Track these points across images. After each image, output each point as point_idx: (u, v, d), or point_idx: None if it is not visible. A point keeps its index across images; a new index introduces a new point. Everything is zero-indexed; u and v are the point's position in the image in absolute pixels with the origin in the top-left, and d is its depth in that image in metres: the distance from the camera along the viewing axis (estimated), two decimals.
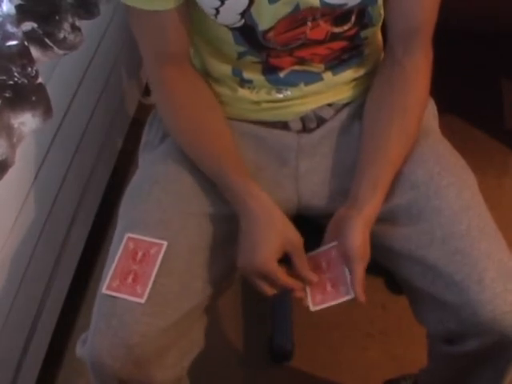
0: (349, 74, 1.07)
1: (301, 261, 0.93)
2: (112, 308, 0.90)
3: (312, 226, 1.07)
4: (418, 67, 1.00)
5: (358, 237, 0.90)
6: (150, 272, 0.92)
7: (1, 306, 1.18)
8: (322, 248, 0.96)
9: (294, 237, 0.93)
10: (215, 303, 1.03)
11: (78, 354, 0.95)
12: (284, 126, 1.08)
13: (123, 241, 0.95)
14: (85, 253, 1.56)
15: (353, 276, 0.90)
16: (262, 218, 0.93)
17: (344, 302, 0.91)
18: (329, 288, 0.92)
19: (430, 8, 0.98)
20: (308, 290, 0.94)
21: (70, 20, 1.12)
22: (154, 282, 0.91)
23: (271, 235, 0.91)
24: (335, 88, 1.08)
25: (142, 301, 0.89)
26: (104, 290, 0.91)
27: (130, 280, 0.91)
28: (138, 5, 0.94)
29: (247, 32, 0.96)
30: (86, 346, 0.92)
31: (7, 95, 0.99)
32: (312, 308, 0.93)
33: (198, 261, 0.96)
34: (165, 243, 0.94)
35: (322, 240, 0.97)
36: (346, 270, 0.92)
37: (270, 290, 0.93)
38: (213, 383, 1.47)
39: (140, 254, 0.93)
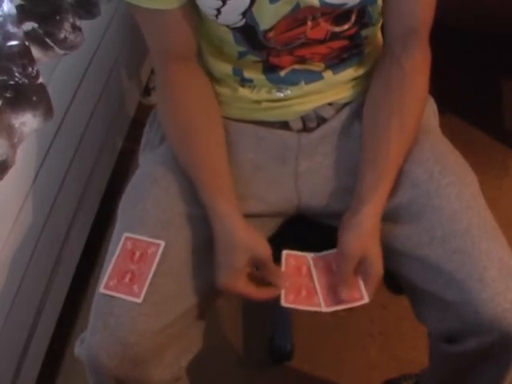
0: (349, 72, 1.07)
1: (270, 271, 0.94)
2: (109, 307, 0.90)
3: (312, 225, 1.07)
4: (416, 66, 1.00)
5: (348, 239, 0.92)
6: (148, 272, 0.92)
7: (1, 306, 1.18)
8: (332, 250, 0.96)
9: (261, 251, 0.93)
10: (214, 303, 1.03)
11: (76, 353, 0.95)
12: (284, 125, 1.08)
13: (121, 240, 0.95)
14: (85, 253, 1.56)
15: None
16: (223, 240, 0.93)
17: (359, 305, 0.92)
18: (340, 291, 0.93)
19: (428, 8, 0.98)
20: (319, 290, 0.94)
21: (71, 20, 1.12)
22: (152, 281, 0.91)
23: (234, 256, 0.91)
24: (336, 87, 1.08)
25: (139, 300, 0.90)
26: (101, 289, 0.91)
27: (127, 279, 0.92)
28: (141, 4, 0.94)
29: (248, 32, 0.96)
30: (83, 345, 0.92)
31: (8, 95, 0.99)
32: (324, 309, 0.93)
33: (196, 261, 0.96)
34: (162, 243, 0.94)
35: (321, 240, 0.97)
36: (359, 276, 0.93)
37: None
38: (213, 383, 1.47)
39: (138, 253, 0.94)
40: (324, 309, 0.93)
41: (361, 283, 0.92)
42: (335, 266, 0.95)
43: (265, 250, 0.93)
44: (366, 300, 0.91)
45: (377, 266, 0.92)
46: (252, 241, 0.93)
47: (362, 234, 0.92)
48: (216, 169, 0.99)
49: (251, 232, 0.94)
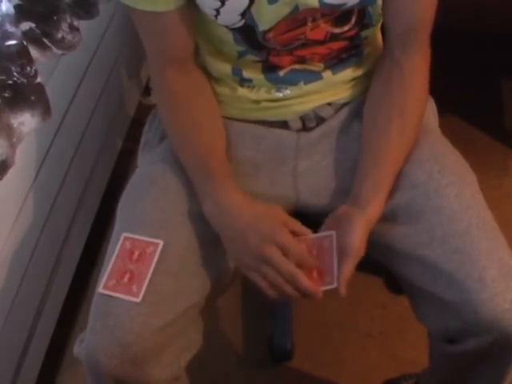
0: (348, 73, 1.07)
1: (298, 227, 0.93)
2: (108, 307, 0.90)
3: (311, 225, 1.07)
4: (416, 67, 1.00)
5: (359, 236, 0.90)
6: (146, 271, 0.92)
7: (1, 306, 1.18)
8: (316, 235, 0.95)
9: (281, 212, 0.93)
10: (213, 303, 1.03)
11: (75, 353, 0.95)
12: (283, 125, 1.08)
13: (120, 240, 0.95)
14: (85, 253, 1.56)
15: (343, 268, 0.90)
16: (253, 209, 0.93)
17: (327, 290, 0.90)
18: (315, 275, 0.91)
19: (428, 8, 0.98)
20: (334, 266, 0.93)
21: (68, 20, 1.12)
22: (150, 281, 0.91)
23: (269, 217, 0.91)
24: (335, 87, 1.08)
25: (138, 300, 0.90)
26: (100, 289, 0.91)
27: (126, 279, 0.92)
28: (138, 6, 0.94)
29: (247, 32, 0.96)
30: (82, 345, 0.92)
31: (6, 95, 0.99)
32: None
33: (195, 260, 0.96)
34: (161, 242, 0.94)
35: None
36: (335, 261, 0.91)
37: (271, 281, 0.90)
38: (213, 383, 1.47)
39: (136, 253, 0.94)
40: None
41: (335, 268, 0.91)
42: (315, 251, 0.93)
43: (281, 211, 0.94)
44: (335, 285, 0.90)
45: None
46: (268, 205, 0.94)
47: (367, 233, 0.92)
48: (223, 158, 0.99)
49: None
